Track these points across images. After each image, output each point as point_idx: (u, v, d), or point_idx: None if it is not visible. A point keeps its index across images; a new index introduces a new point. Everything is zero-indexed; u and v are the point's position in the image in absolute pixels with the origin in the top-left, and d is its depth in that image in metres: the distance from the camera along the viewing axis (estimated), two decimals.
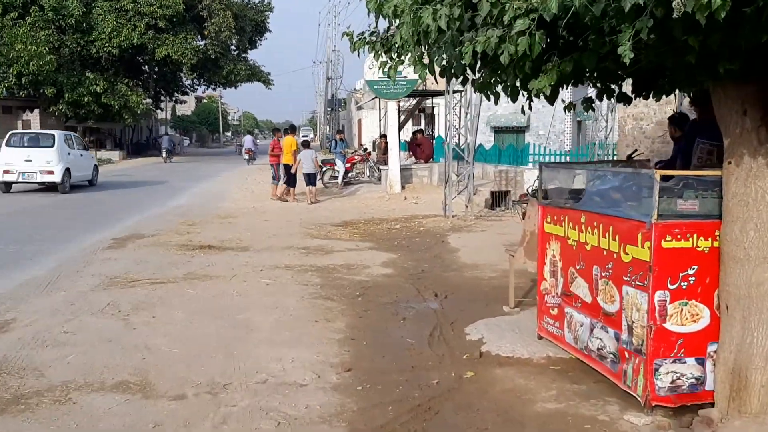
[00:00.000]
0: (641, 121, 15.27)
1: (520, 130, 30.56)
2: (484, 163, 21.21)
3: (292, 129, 19.27)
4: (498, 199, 15.88)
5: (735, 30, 3.20)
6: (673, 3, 2.69)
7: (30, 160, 19.05)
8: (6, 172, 18.94)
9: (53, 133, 20.58)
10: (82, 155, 21.38)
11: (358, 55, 5.12)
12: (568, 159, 19.82)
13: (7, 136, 20.07)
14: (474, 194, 15.27)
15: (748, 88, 3.94)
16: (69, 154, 19.97)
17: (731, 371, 4.14)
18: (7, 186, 19.28)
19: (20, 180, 19.19)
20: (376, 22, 4.46)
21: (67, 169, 19.55)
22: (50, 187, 19.66)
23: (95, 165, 22.94)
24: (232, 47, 46.04)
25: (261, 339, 6.15)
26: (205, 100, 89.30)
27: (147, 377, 5.25)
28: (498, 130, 31.18)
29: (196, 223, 13.53)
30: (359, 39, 4.96)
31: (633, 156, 11.97)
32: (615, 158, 16.04)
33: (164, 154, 39.73)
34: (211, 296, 7.66)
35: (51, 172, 19.07)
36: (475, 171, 16.31)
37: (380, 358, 5.69)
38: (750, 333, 4.03)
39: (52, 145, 19.33)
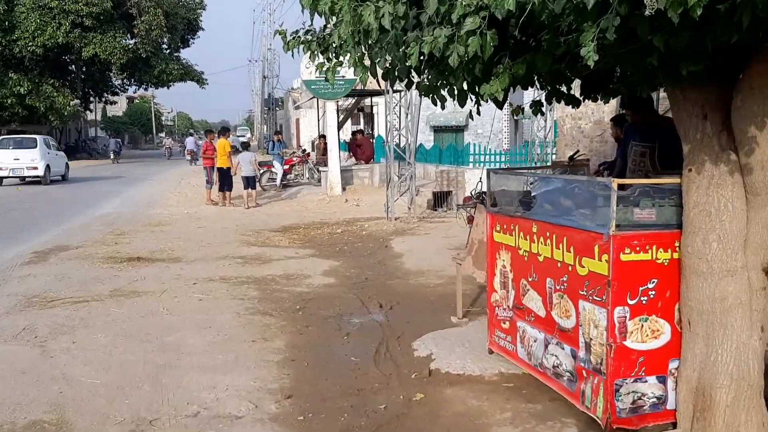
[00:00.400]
0: (580, 120, 15.31)
1: (460, 129, 30.58)
2: (425, 163, 21.01)
3: (224, 130, 18.54)
4: (440, 199, 15.68)
5: (703, 29, 2.95)
6: None
7: (18, 159, 23.89)
8: None
9: (36, 137, 25.55)
10: (57, 155, 26.39)
11: (293, 56, 4.71)
12: (507, 158, 19.79)
13: None
14: (416, 195, 15.00)
15: (708, 91, 3.72)
16: (48, 153, 24.89)
17: (694, 390, 3.92)
18: None
19: (10, 175, 23.95)
20: (311, 20, 4.07)
21: (48, 166, 24.45)
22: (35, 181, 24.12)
23: (66, 163, 27.43)
24: (164, 46, 44.64)
25: (192, 364, 5.66)
26: (137, 101, 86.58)
27: (64, 414, 4.72)
28: (438, 129, 31.13)
29: (126, 233, 12.80)
30: (293, 38, 4.56)
31: (575, 157, 11.93)
32: (555, 158, 16.06)
33: (112, 156, 42.56)
34: (138, 315, 7.10)
35: (35, 168, 23.96)
36: (417, 171, 16.06)
37: (323, 381, 5.30)
38: (714, 350, 3.82)
39: (35, 146, 24.28)
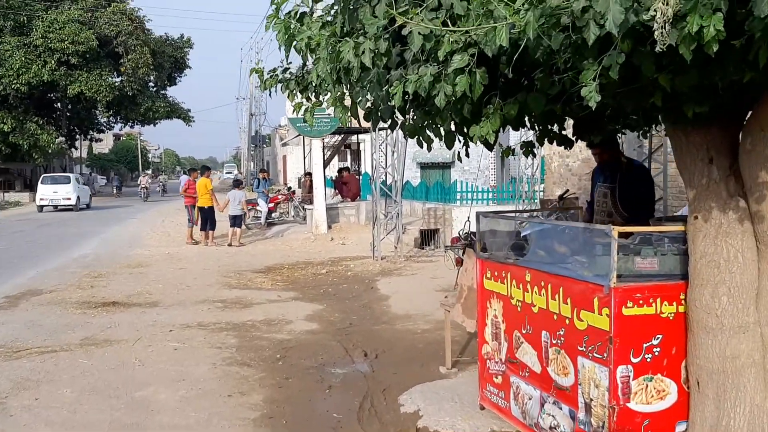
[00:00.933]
0: (567, 158, 15.16)
1: (446, 166, 30.49)
2: (412, 200, 20.77)
3: (205, 169, 18.20)
4: (427, 237, 15.39)
5: (712, 67, 2.70)
6: (655, 34, 2.13)
7: (56, 192, 31.13)
8: (42, 199, 30.90)
9: (69, 175, 33.82)
10: (84, 188, 33.97)
11: (270, 95, 4.45)
12: (494, 196, 19.58)
13: (41, 177, 32.78)
14: (403, 233, 14.71)
15: (713, 133, 3.47)
16: (78, 187, 32.32)
17: None
18: (41, 208, 30.87)
19: (50, 204, 30.87)
20: (287, 58, 3.81)
21: (78, 197, 31.70)
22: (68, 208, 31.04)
23: (90, 194, 35.23)
24: (150, 84, 44.58)
25: (162, 424, 5.26)
26: (123, 138, 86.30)
27: None
28: (424, 166, 31.00)
29: (102, 275, 12.36)
30: (270, 77, 4.30)
31: (564, 196, 11.73)
32: (542, 196, 15.86)
33: (115, 191, 48.17)
34: (108, 367, 6.68)
35: (69, 199, 31.16)
36: (404, 208, 15.81)
37: None
38: (726, 413, 3.50)
39: (69, 182, 31.80)
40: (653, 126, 3.86)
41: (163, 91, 46.52)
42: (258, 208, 20.26)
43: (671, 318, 3.74)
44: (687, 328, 3.70)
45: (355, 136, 24.14)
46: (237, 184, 18.23)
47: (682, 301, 3.73)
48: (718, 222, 3.46)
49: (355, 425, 5.22)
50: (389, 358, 6.92)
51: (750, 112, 3.38)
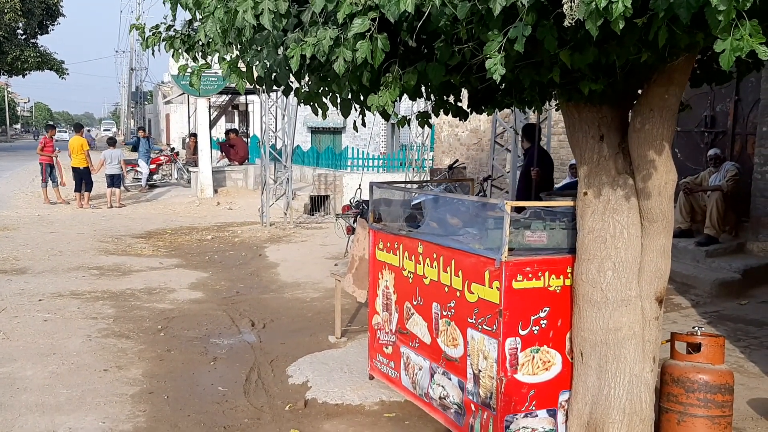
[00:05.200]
0: (457, 128, 15.39)
1: (338, 132, 30.22)
2: (302, 166, 20.43)
3: (78, 127, 17.04)
4: (318, 203, 15.22)
5: (612, 46, 2.70)
6: (564, 7, 2.08)
7: None
8: None
9: None
10: None
11: (153, 54, 4.12)
12: (384, 163, 19.61)
13: None
14: (293, 199, 14.45)
15: (604, 112, 3.53)
16: None
17: (586, 425, 3.73)
18: None
19: None
20: (174, 14, 3.50)
21: None
22: None
23: None
24: (19, 31, 41.03)
25: (29, 403, 4.87)
26: None
27: None
28: (315, 131, 30.58)
29: None
30: (153, 34, 3.96)
31: (454, 166, 11.92)
32: (432, 164, 16.06)
33: None
34: None
35: None
36: (294, 174, 15.50)
37: (184, 419, 4.70)
38: (607, 383, 3.63)
39: None
40: (546, 102, 3.87)
41: (33, 40, 42.98)
42: (138, 169, 19.26)
43: (558, 291, 3.83)
44: (573, 301, 3.79)
45: (244, 97, 23.37)
46: (112, 142, 17.20)
47: (569, 275, 3.82)
48: (607, 198, 3.54)
49: (241, 398, 5.06)
50: (277, 328, 6.78)
51: (640, 92, 3.46)
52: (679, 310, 6.82)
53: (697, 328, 4.00)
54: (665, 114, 3.30)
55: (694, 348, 3.92)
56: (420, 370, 4.56)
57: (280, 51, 3.00)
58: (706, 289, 7.15)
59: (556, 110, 4.01)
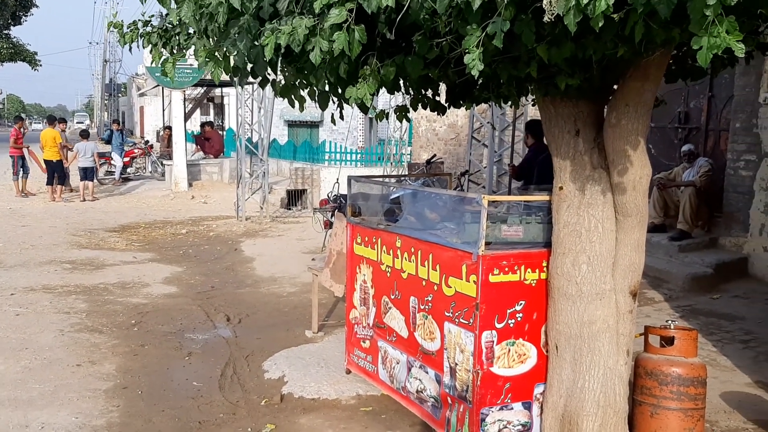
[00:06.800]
0: (434, 123, 15.41)
1: (315, 125, 30.08)
2: (279, 159, 20.36)
3: (51, 120, 16.78)
4: (294, 198, 15.16)
5: (589, 41, 2.71)
6: (543, 2, 2.08)
7: None
8: None
9: None
10: None
11: (130, 50, 4.07)
12: (362, 157, 19.59)
13: None
14: (269, 193, 14.35)
15: (580, 106, 3.55)
16: None
17: (561, 417, 3.76)
18: None
19: None
20: (143, 3, 3.45)
21: None
22: None
23: None
24: None
25: (2, 398, 4.79)
26: None
27: None
28: (292, 124, 30.43)
29: None
30: (131, 30, 3.92)
31: (432, 161, 11.93)
32: (410, 159, 16.07)
33: None
34: None
35: None
36: (270, 168, 15.41)
37: (159, 414, 4.66)
38: (582, 376, 3.67)
39: None
40: (523, 97, 3.89)
41: (6, 31, 42.15)
42: (112, 162, 19.01)
43: (533, 285, 3.85)
44: (548, 295, 3.82)
45: (219, 89, 23.16)
46: (85, 134, 16.96)
47: (545, 269, 3.85)
48: (582, 193, 3.56)
49: (216, 394, 5.03)
50: (253, 323, 6.73)
51: (616, 87, 3.48)
52: (652, 304, 6.90)
53: (670, 322, 4.05)
54: (640, 109, 3.33)
55: (668, 341, 3.97)
56: (397, 363, 4.56)
57: (257, 42, 2.97)
58: (678, 283, 7.24)
59: (533, 105, 4.03)
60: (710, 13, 1.98)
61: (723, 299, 6.99)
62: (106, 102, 51.21)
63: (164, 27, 3.88)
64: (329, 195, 9.25)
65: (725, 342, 5.82)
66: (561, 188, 3.65)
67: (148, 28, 3.93)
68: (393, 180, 6.66)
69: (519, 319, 3.84)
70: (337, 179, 9.92)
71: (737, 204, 7.79)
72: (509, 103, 4.03)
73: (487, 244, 3.72)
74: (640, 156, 3.43)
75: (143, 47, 4.00)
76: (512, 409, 3.89)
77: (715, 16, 2.00)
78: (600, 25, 2.13)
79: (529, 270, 3.83)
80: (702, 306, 6.78)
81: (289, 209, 14.73)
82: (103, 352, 5.80)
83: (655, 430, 3.87)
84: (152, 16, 3.88)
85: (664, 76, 3.65)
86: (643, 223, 3.64)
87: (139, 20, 3.97)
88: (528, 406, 3.94)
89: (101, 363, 5.54)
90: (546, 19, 2.18)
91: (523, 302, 3.83)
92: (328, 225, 8.53)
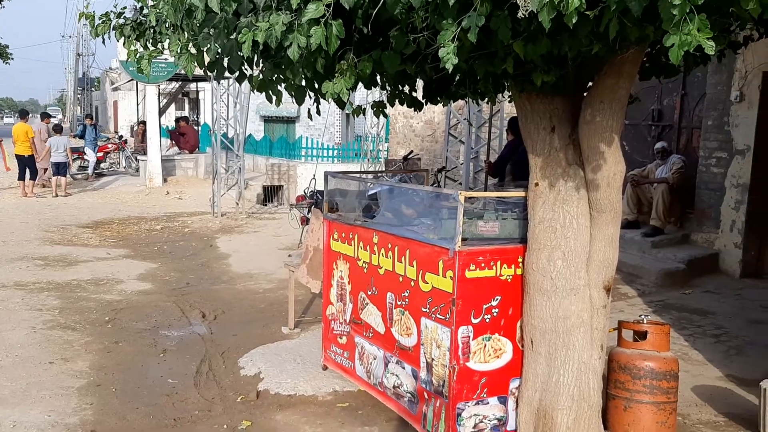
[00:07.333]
0: (411, 119, 15.43)
1: (291, 121, 29.96)
2: (255, 155, 20.19)
3: (23, 114, 16.50)
4: (271, 194, 15.08)
5: (564, 37, 2.73)
6: None
7: None
8: None
9: None
10: None
11: (103, 42, 4.02)
12: (339, 153, 19.55)
13: None
14: (245, 189, 14.26)
15: (556, 103, 3.57)
16: None
17: (536, 412, 3.80)
18: None
19: None
20: None
21: None
22: None
23: None
24: None
25: None
26: None
27: None
28: (268, 120, 30.23)
29: None
30: (103, 22, 3.86)
31: (408, 157, 11.95)
32: (387, 155, 16.07)
33: None
34: None
35: None
36: (246, 163, 15.31)
37: (133, 411, 4.61)
38: (556, 370, 3.70)
39: None
40: (500, 93, 3.91)
41: None
42: (86, 157, 18.74)
43: (509, 280, 3.88)
44: (523, 290, 3.85)
45: (194, 84, 22.95)
46: (57, 129, 16.71)
47: (520, 264, 3.88)
48: (557, 189, 3.59)
49: (191, 390, 4.99)
50: (229, 320, 6.70)
51: (591, 84, 3.51)
52: (625, 299, 6.99)
53: (643, 317, 4.11)
54: (615, 106, 3.36)
55: (641, 336, 4.02)
56: (374, 359, 4.56)
57: (233, 36, 2.95)
58: (651, 278, 7.35)
59: (509, 102, 4.05)
60: (677, 12, 2.01)
61: (695, 294, 7.11)
62: (79, 96, 50.45)
63: (138, 20, 3.84)
64: (306, 191, 9.21)
65: (697, 336, 5.92)
66: (536, 184, 3.68)
67: (121, 20, 3.88)
68: (370, 176, 6.65)
69: (495, 314, 3.86)
70: (314, 175, 9.88)
71: (709, 201, 7.91)
72: (486, 99, 4.05)
73: (464, 240, 3.74)
74: (614, 153, 3.46)
75: (116, 39, 3.95)
76: (488, 403, 3.92)
77: (682, 15, 2.03)
78: (574, 21, 2.15)
79: (504, 265, 3.86)
80: (674, 301, 6.89)
81: (265, 205, 14.66)
82: (76, 349, 5.73)
83: (628, 424, 3.93)
84: (125, 8, 3.83)
85: (639, 74, 3.69)
86: (616, 219, 3.68)
87: (112, 11, 3.92)
88: (504, 401, 3.97)
89: (74, 360, 5.47)
90: (520, 15, 2.19)
91: (499, 297, 3.86)
92: (305, 221, 8.50)
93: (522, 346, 3.93)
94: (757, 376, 4.60)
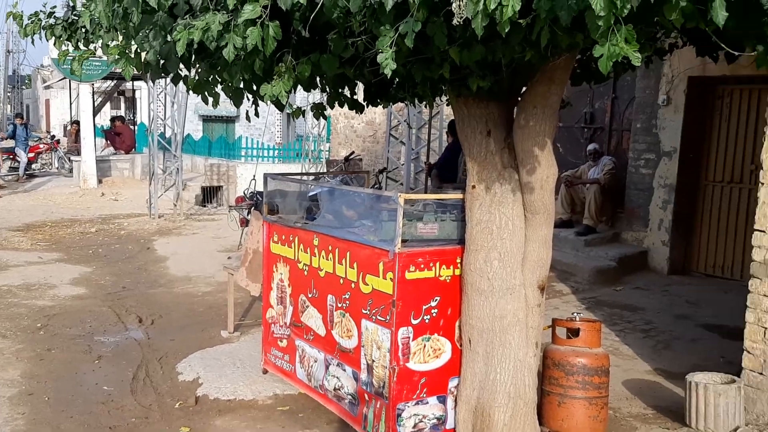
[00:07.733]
0: (353, 120, 15.45)
1: (231, 120, 29.56)
2: (194, 155, 19.84)
3: None
4: (210, 194, 14.85)
5: (497, 44, 2.81)
6: (453, 6, 2.14)
7: None
8: None
9: None
10: None
11: (32, 42, 3.90)
12: (280, 154, 19.42)
13: None
14: (183, 190, 13.99)
15: (491, 108, 3.66)
16: None
17: (474, 410, 3.88)
18: None
19: None
20: None
21: None
22: None
23: None
24: None
25: None
26: None
27: None
28: (207, 119, 29.77)
29: None
30: (32, 22, 3.75)
31: (350, 158, 11.96)
32: (329, 156, 16.05)
33: None
34: None
35: None
36: (184, 164, 15.03)
37: (67, 420, 4.49)
38: (493, 369, 3.79)
39: None
40: (438, 97, 3.98)
41: None
42: (16, 157, 18.04)
43: (448, 281, 3.94)
44: (462, 290, 3.92)
45: (131, 83, 22.38)
46: None
47: (459, 265, 3.95)
48: (493, 191, 3.68)
49: (128, 397, 4.89)
50: (167, 324, 6.58)
51: (524, 90, 3.61)
52: (560, 296, 7.18)
53: (576, 314, 4.24)
54: (547, 111, 3.47)
55: (574, 333, 4.15)
56: (315, 362, 4.57)
57: (170, 37, 2.91)
58: (584, 276, 7.58)
59: (447, 105, 4.12)
60: (602, 23, 2.09)
61: (625, 291, 7.36)
62: (9, 95, 48.54)
63: (69, 19, 3.74)
64: (245, 192, 9.11)
65: (627, 331, 6.13)
66: (473, 187, 3.76)
67: (52, 20, 3.78)
68: (310, 177, 6.65)
69: (434, 314, 3.92)
70: (254, 176, 9.78)
71: (638, 200, 8.21)
72: (424, 102, 4.10)
73: (404, 241, 3.79)
74: (547, 156, 3.57)
75: (47, 39, 3.85)
76: (427, 403, 3.98)
77: (608, 25, 2.11)
78: (507, 30, 2.22)
79: (443, 266, 3.93)
80: (606, 297, 7.12)
81: (204, 206, 14.43)
82: (7, 357, 5.53)
83: (562, 419, 4.05)
84: (55, 7, 3.73)
85: (570, 79, 3.81)
86: (550, 220, 3.80)
87: (41, 11, 3.82)
88: (443, 400, 4.04)
89: (5, 369, 5.29)
90: (455, 21, 2.25)
91: (438, 298, 3.92)
92: (245, 223, 8.41)
93: (460, 346, 4.01)
94: (683, 369, 4.80)
